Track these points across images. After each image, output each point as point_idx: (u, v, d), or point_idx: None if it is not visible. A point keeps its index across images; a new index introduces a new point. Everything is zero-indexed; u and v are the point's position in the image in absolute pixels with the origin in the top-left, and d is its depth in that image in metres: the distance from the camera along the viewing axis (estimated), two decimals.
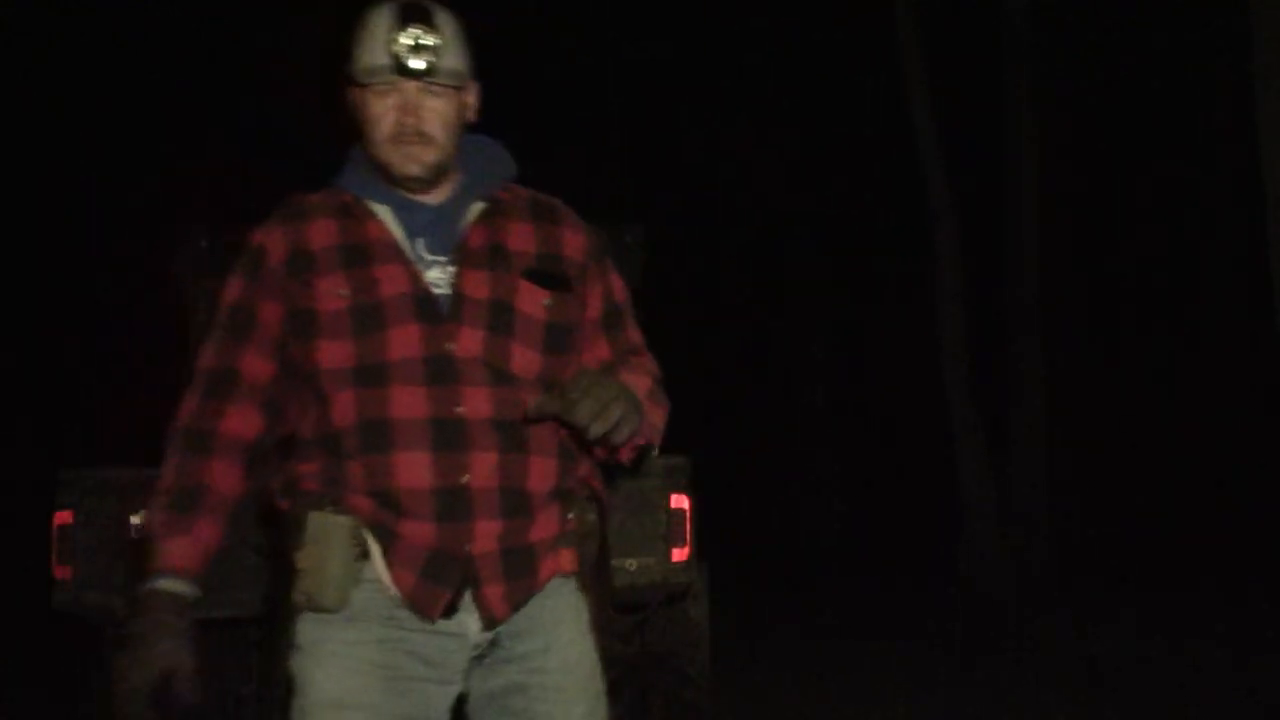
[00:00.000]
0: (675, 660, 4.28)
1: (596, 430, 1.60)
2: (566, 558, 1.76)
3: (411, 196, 1.78)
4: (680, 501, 3.81)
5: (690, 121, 14.41)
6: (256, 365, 1.74)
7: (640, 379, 1.80)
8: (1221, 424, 12.22)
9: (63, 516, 3.46)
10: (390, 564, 1.67)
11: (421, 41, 1.69)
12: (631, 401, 1.67)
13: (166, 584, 1.65)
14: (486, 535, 1.68)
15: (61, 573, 3.46)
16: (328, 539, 1.66)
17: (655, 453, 1.84)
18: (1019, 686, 5.75)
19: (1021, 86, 9.57)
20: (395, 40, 1.68)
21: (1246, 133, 6.52)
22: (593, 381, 1.62)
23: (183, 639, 1.63)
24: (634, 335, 1.92)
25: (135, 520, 3.45)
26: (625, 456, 1.80)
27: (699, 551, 3.92)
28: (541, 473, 1.73)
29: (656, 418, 1.80)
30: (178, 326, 4.31)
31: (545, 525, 1.74)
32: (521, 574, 1.71)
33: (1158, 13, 11.08)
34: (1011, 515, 9.24)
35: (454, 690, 1.73)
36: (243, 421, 1.72)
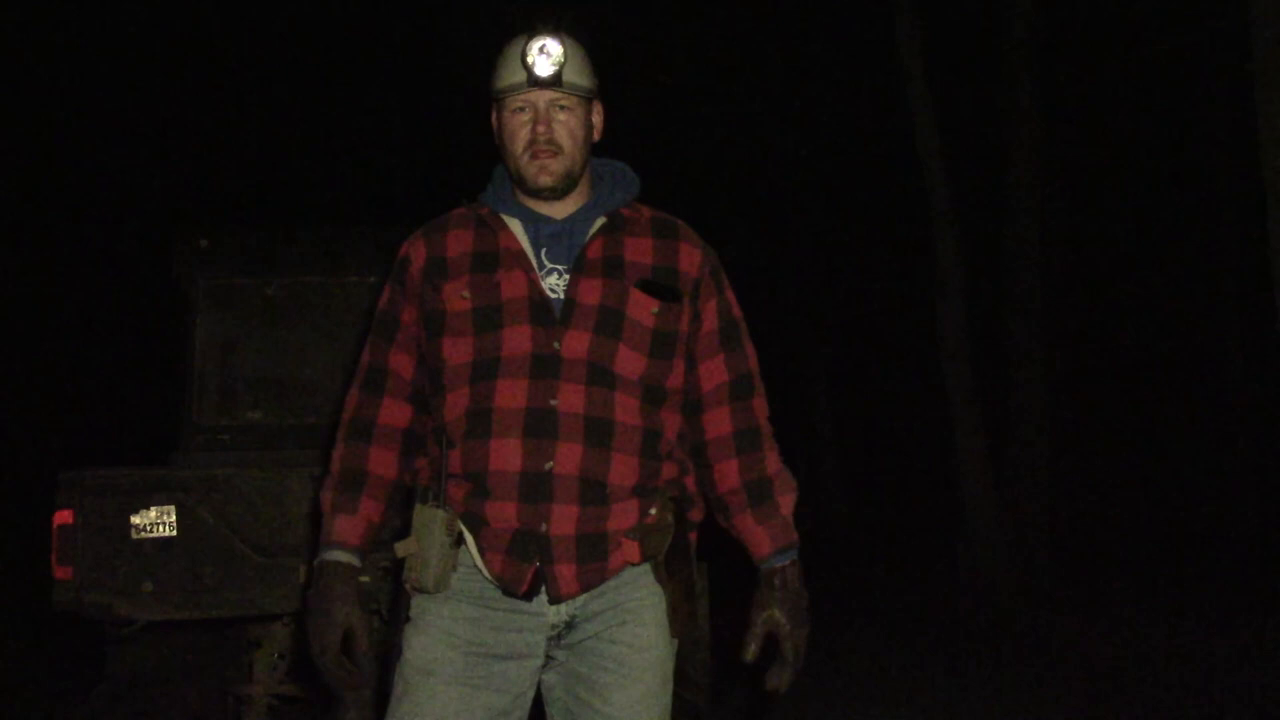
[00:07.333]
0: (675, 660, 4.25)
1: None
2: (639, 549, 1.89)
3: (541, 210, 1.96)
4: None
5: (689, 120, 14.41)
6: (403, 362, 1.97)
7: (786, 499, 2.12)
8: (1222, 423, 12.23)
9: (63, 516, 3.44)
10: (481, 549, 1.86)
11: (548, 52, 1.91)
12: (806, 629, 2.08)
13: (336, 555, 1.90)
14: (563, 518, 1.83)
15: (62, 573, 3.44)
16: (428, 530, 1.86)
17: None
18: (1019, 686, 5.76)
19: (1022, 86, 9.56)
20: (527, 54, 1.91)
21: (1246, 133, 6.51)
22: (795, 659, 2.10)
23: (354, 602, 1.88)
24: (750, 360, 2.05)
25: (135, 520, 3.45)
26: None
27: (699, 552, 3.91)
28: (623, 468, 1.87)
29: (790, 515, 2.06)
30: (178, 326, 4.29)
31: (622, 516, 1.88)
32: (593, 558, 1.85)
33: (1158, 13, 11.07)
34: (1013, 514, 9.23)
35: (532, 665, 1.89)
36: (396, 412, 1.96)
